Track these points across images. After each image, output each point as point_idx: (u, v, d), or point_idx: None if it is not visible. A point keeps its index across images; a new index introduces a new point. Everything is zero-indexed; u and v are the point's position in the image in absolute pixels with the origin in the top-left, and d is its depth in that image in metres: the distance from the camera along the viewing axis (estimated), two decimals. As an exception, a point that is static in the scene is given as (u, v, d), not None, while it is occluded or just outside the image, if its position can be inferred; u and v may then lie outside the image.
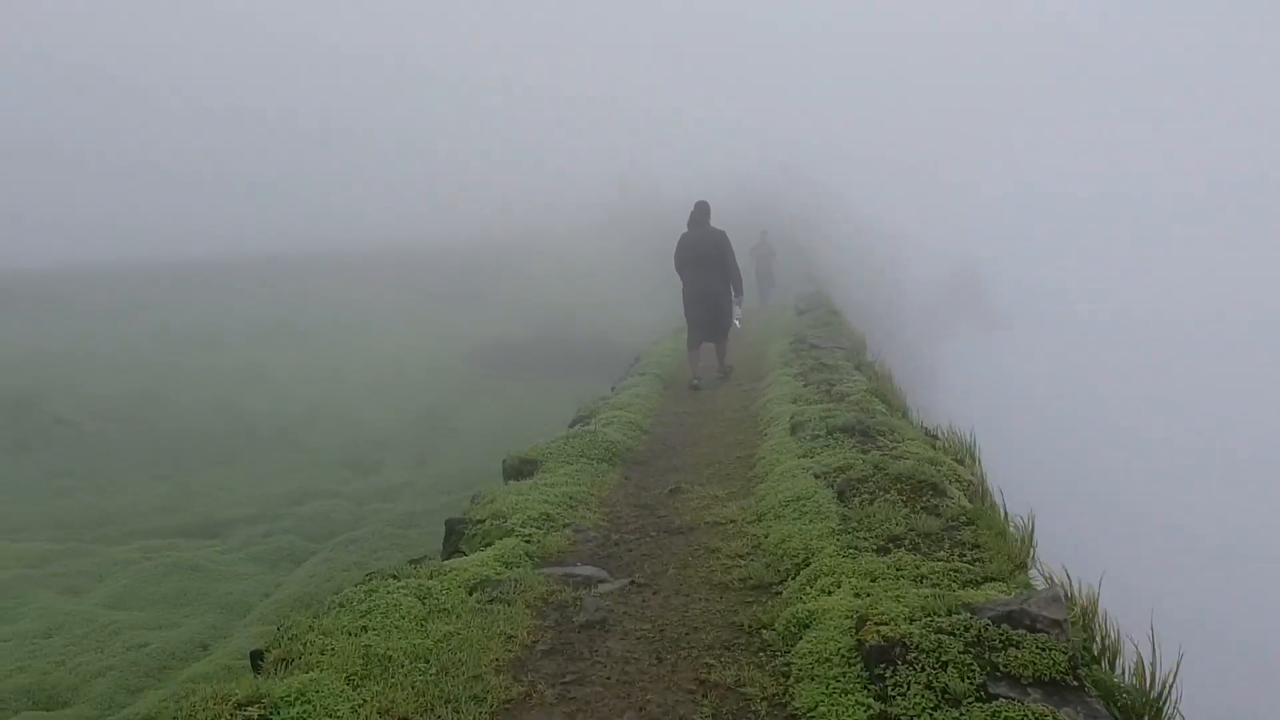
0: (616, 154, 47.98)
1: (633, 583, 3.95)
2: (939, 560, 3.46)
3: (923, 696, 2.54)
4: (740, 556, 4.18)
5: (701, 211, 10.65)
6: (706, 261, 10.33)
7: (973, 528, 3.77)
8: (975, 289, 30.03)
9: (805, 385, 7.83)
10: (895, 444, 5.07)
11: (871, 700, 2.64)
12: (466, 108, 69.73)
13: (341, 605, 3.47)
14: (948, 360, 26.83)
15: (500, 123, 63.44)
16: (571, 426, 7.88)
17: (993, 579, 3.25)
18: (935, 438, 5.66)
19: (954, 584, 3.22)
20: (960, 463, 4.96)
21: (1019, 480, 5.68)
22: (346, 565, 8.47)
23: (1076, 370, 40.36)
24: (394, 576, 3.78)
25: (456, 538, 4.73)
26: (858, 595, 3.20)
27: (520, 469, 6.10)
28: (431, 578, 3.80)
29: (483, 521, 4.73)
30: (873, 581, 3.31)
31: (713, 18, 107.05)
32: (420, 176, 52.13)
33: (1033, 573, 3.52)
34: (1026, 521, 3.86)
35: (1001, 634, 2.62)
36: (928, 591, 3.05)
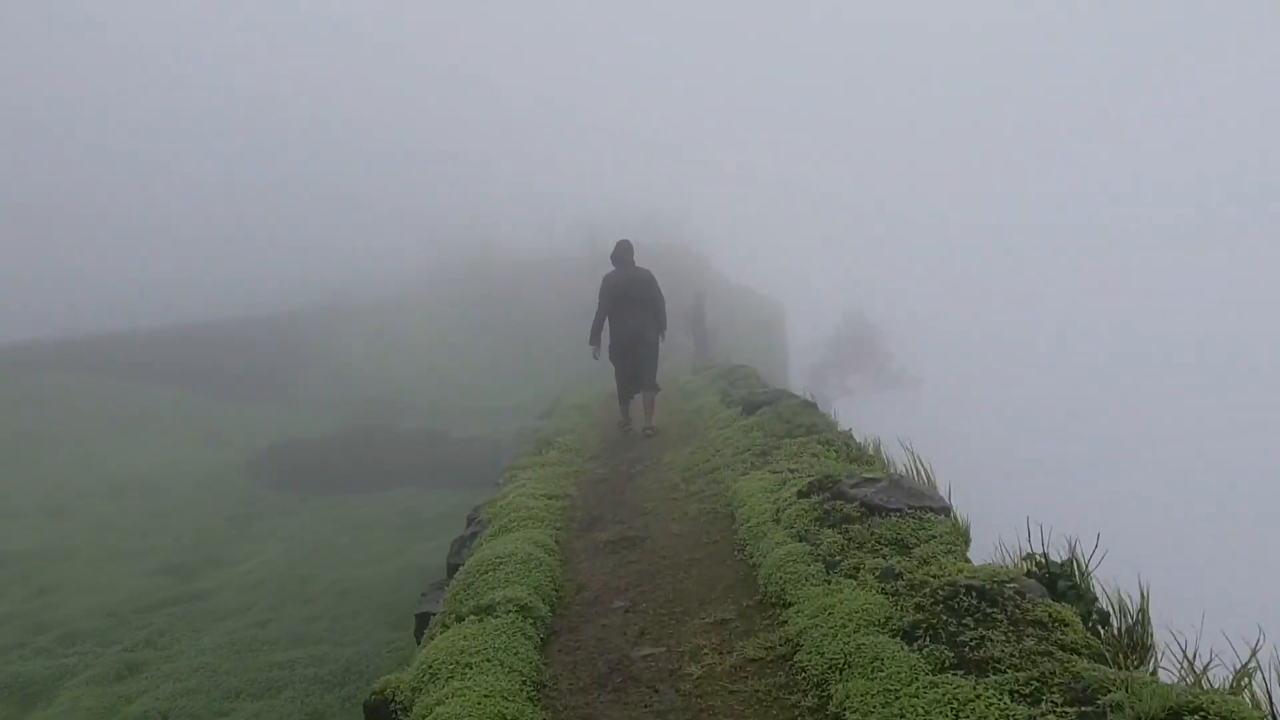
0: (439, 208, 42.11)
1: None
2: None
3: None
4: None
5: (625, 250, 10.22)
6: (636, 302, 9.99)
7: None
8: (866, 342, 26.34)
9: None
10: None
11: None
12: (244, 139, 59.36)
13: None
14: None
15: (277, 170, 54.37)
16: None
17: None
18: None
19: None
20: None
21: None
22: None
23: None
24: None
25: None
26: None
27: None
28: None
29: None
30: None
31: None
32: (194, 237, 43.31)
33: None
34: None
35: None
36: None
